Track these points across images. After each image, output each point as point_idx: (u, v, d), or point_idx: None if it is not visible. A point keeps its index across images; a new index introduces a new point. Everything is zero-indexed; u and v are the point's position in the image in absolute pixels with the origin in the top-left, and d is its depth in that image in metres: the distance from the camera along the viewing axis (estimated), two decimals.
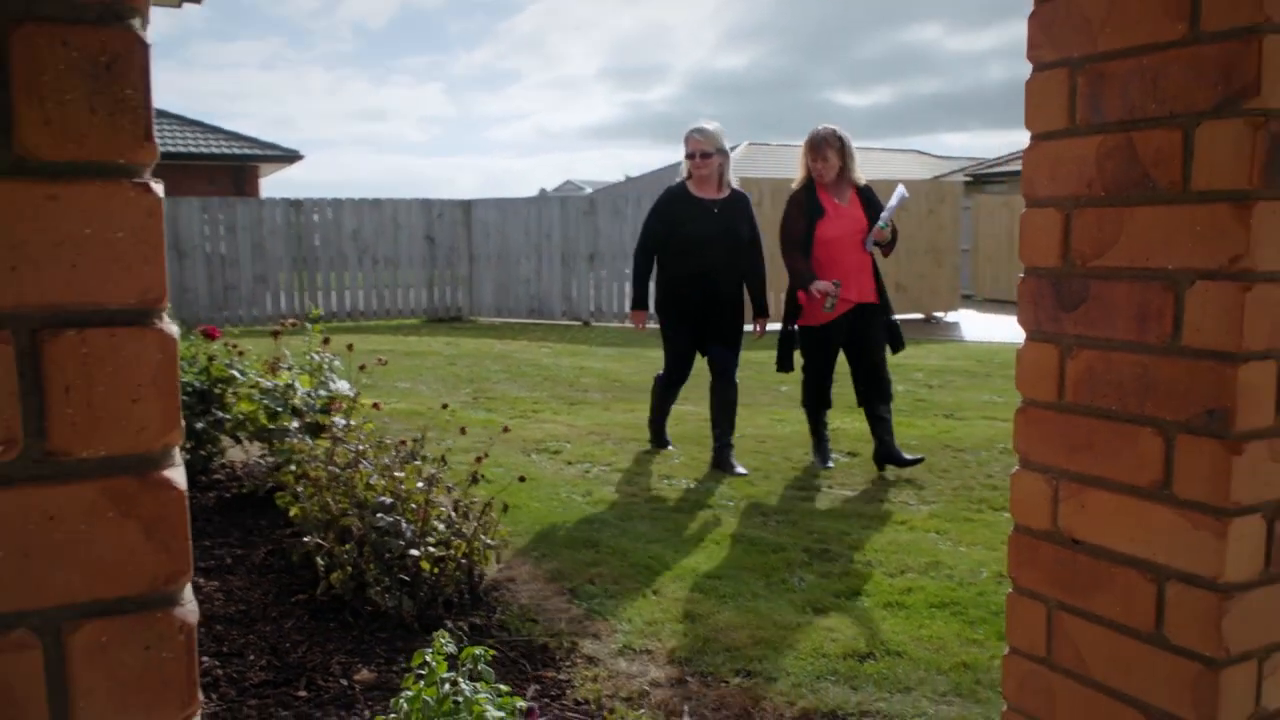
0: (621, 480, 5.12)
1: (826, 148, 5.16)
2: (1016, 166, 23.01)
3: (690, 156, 5.37)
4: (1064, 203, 1.46)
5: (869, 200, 5.28)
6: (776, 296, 8.80)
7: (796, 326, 5.32)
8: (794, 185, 5.32)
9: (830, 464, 5.44)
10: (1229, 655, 1.27)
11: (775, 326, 5.78)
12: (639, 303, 5.72)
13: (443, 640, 2.07)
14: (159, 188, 0.65)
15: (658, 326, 5.72)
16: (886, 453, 5.21)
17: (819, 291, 5.08)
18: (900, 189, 5.30)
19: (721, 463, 5.37)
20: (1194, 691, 1.29)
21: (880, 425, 5.25)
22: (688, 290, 5.36)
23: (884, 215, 5.14)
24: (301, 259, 14.48)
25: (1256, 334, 1.25)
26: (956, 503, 4.64)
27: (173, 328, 0.67)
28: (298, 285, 14.48)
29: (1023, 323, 1.53)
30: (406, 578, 3.11)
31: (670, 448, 5.75)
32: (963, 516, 4.42)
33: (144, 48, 0.63)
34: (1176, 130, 1.30)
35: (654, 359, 10.50)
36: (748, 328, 5.61)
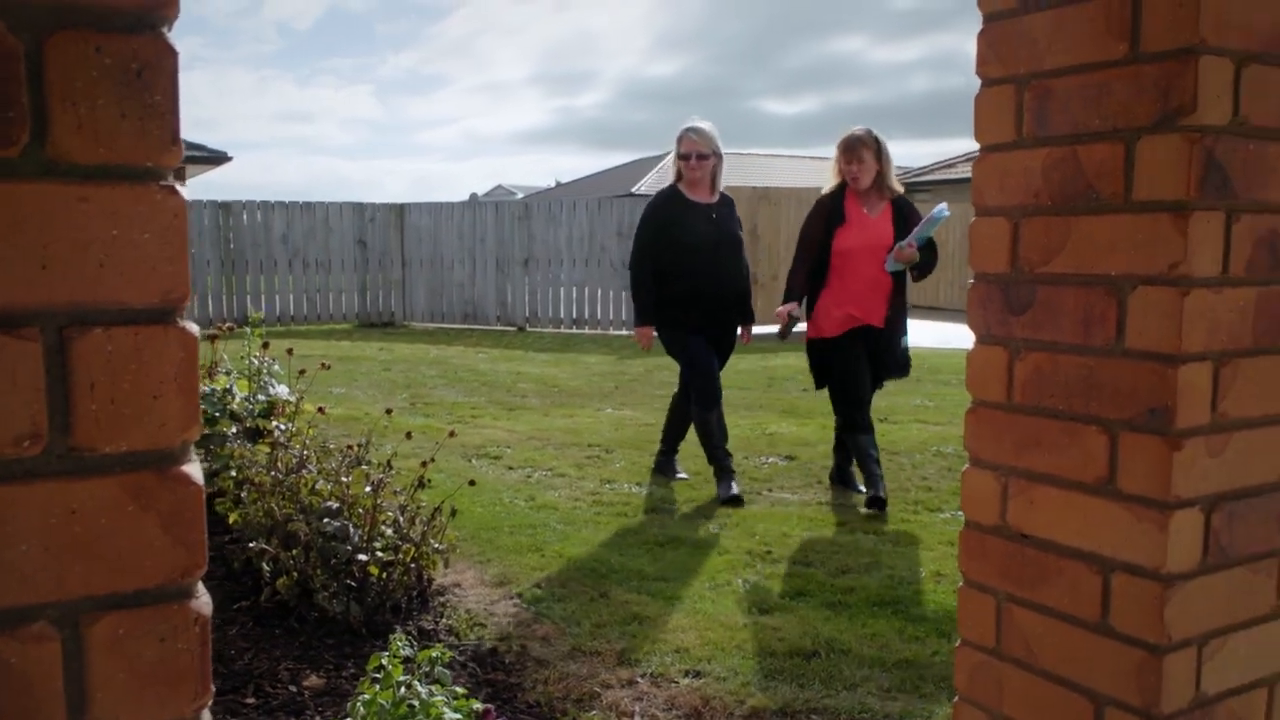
0: (564, 485, 5.14)
1: (862, 148, 4.66)
2: (942, 175, 23.55)
3: (684, 157, 4.99)
4: (1012, 212, 1.52)
5: (904, 214, 4.76)
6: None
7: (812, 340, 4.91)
8: (824, 190, 4.88)
9: (862, 489, 4.84)
10: (1171, 642, 1.34)
11: (761, 328, 5.33)
12: (646, 316, 5.08)
13: (399, 643, 2.07)
14: (184, 190, 0.67)
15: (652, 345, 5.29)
16: (841, 476, 5.11)
17: (778, 313, 4.85)
18: (941, 206, 4.75)
19: (664, 467, 5.35)
20: (1139, 677, 1.36)
21: (842, 453, 5.08)
22: (694, 301, 4.96)
23: (914, 233, 4.61)
24: (230, 262, 14.20)
25: (1194, 337, 1.33)
26: (893, 504, 4.75)
27: (193, 326, 0.68)
28: (226, 289, 14.20)
29: (973, 326, 1.59)
30: (354, 583, 3.08)
31: (736, 492, 4.82)
32: (900, 518, 4.53)
33: (173, 55, 0.64)
34: (1119, 144, 1.37)
35: (591, 364, 10.52)
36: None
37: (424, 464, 3.55)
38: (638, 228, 5.15)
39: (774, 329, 5.18)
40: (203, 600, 0.71)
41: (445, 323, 15.09)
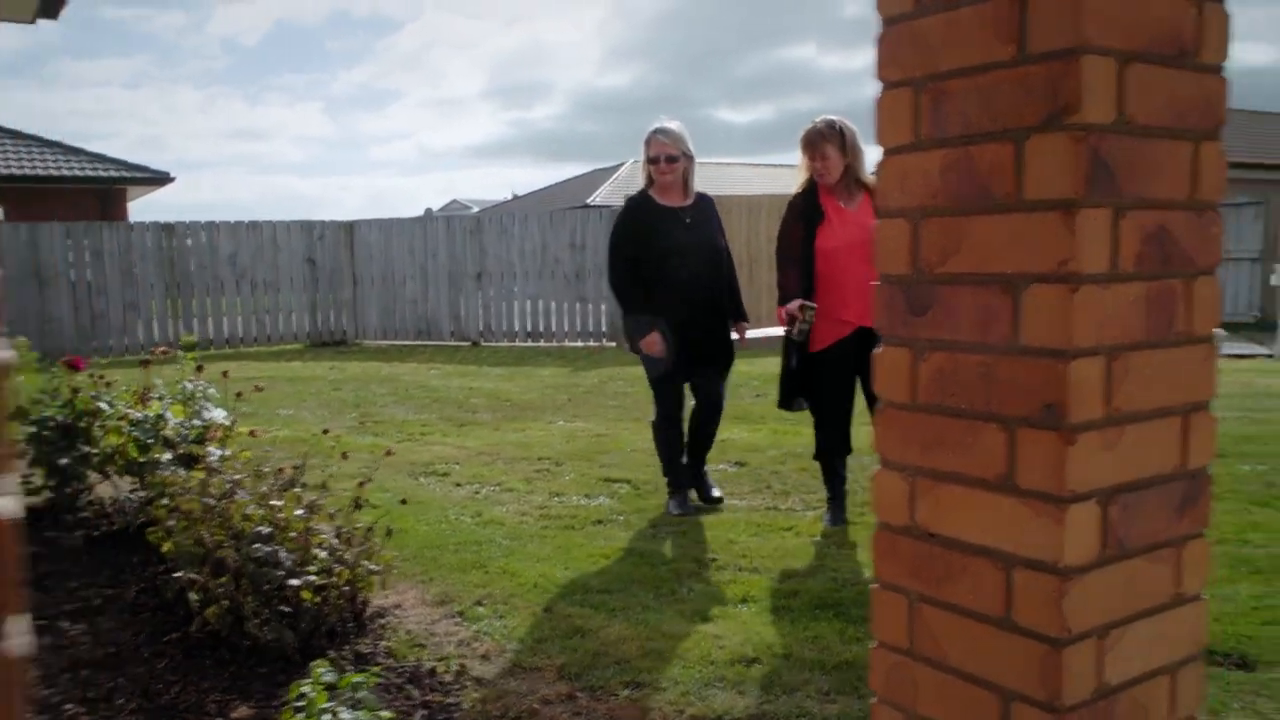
0: (512, 500, 5.10)
1: (824, 143, 4.37)
2: None
3: (654, 161, 4.74)
4: (912, 213, 1.53)
5: None
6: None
7: (796, 356, 4.53)
8: (794, 189, 4.59)
9: (842, 524, 4.50)
10: (1071, 634, 1.35)
11: (756, 334, 4.93)
12: (642, 327, 4.76)
13: (321, 670, 2.04)
14: None
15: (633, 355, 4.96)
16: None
17: (786, 314, 4.45)
18: None
19: (701, 489, 4.99)
20: (1041, 671, 1.37)
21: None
22: (670, 314, 4.73)
23: None
24: (175, 285, 13.98)
25: (1085, 332, 1.34)
26: None
27: (5, 353, 0.66)
28: (171, 312, 13.97)
29: (879, 328, 1.60)
30: (288, 609, 3.03)
31: (689, 511, 4.78)
32: (846, 520, 4.54)
33: None
34: (1009, 144, 1.39)
35: (545, 377, 10.47)
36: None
37: (361, 484, 3.51)
38: (610, 243, 4.90)
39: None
40: (18, 641, 0.68)
41: (398, 339, 14.97)
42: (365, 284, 15.07)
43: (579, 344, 13.91)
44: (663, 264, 4.73)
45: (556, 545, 4.24)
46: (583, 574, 3.83)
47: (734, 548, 4.16)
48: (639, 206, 4.85)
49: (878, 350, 1.60)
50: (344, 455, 3.66)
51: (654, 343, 4.74)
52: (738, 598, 3.52)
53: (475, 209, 43.70)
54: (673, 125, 4.79)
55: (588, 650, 3.05)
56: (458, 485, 5.44)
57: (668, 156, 4.72)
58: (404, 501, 3.77)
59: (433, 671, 2.94)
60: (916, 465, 1.54)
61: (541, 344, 14.20)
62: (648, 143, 4.79)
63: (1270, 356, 11.86)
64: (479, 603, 3.51)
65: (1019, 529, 1.39)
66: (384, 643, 3.16)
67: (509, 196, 46.20)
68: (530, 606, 3.46)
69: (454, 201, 55.38)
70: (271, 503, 3.13)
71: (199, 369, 4.46)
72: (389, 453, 3.92)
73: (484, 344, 14.43)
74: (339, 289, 15.02)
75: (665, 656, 2.99)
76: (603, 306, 13.70)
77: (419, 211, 43.61)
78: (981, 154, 1.43)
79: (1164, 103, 1.40)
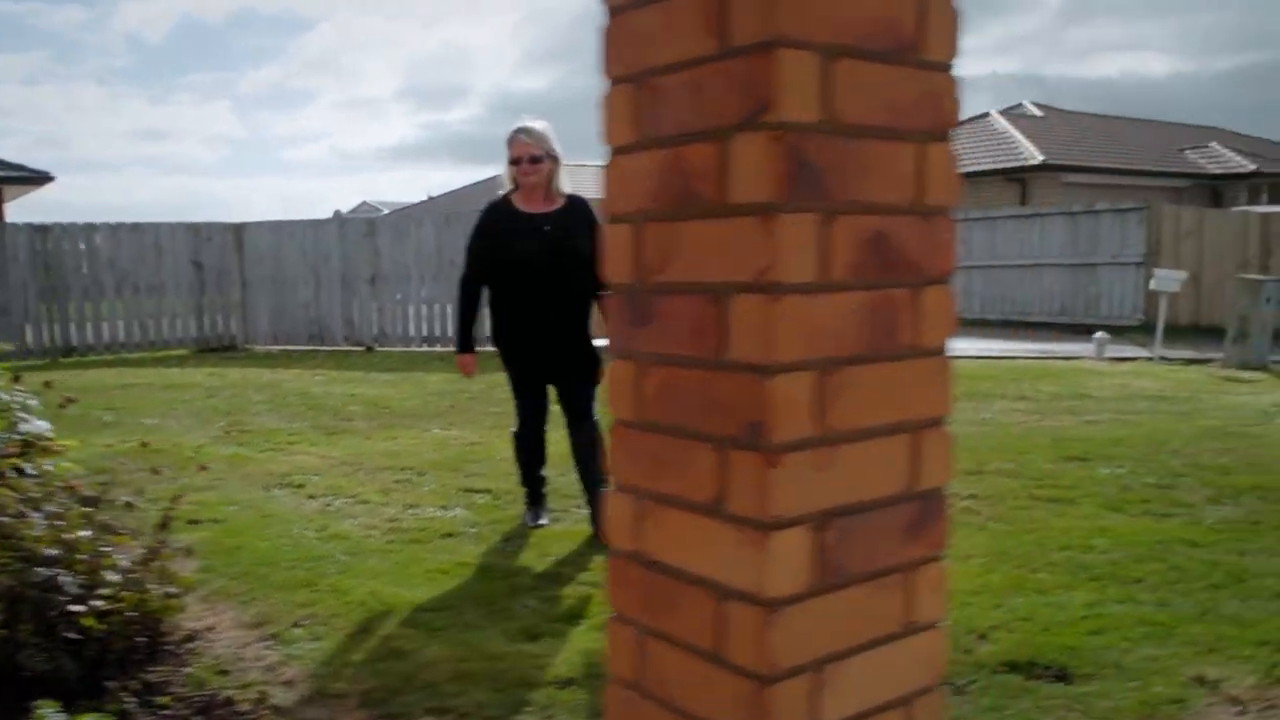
0: (363, 512, 4.91)
1: None
2: None
3: (515, 162, 4.44)
4: (634, 218, 1.43)
5: None
6: None
7: None
8: None
9: None
10: (779, 670, 1.26)
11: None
12: (461, 345, 4.83)
13: (45, 711, 1.86)
14: None
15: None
16: None
17: None
18: None
19: (597, 524, 4.53)
20: (752, 710, 1.27)
21: None
22: (523, 325, 4.57)
23: None
24: (51, 288, 13.35)
25: (789, 345, 1.25)
26: None
27: None
28: (47, 317, 13.35)
29: (609, 341, 1.50)
30: (79, 636, 2.82)
31: (544, 523, 4.68)
32: None
33: None
34: (715, 145, 1.29)
35: (431, 384, 10.24)
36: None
37: (174, 499, 3.31)
38: (466, 246, 4.69)
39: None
40: None
41: (290, 344, 14.53)
42: (255, 287, 14.61)
43: (476, 349, 13.67)
44: (516, 274, 4.51)
45: (397, 560, 4.07)
46: (415, 591, 3.68)
47: (582, 560, 4.05)
48: (493, 212, 4.62)
49: (610, 364, 1.50)
50: (154, 470, 3.45)
51: (466, 364, 4.85)
52: (571, 614, 3.41)
53: (386, 211, 42.93)
54: (536, 125, 4.55)
55: (399, 674, 2.91)
56: (311, 498, 5.22)
57: (531, 157, 4.43)
58: (194, 522, 3.57)
59: (229, 701, 2.77)
60: (643, 487, 1.44)
61: (438, 349, 13.93)
62: (509, 143, 4.51)
63: (1150, 359, 12.22)
64: (297, 624, 3.34)
65: (729, 557, 1.29)
66: (186, 669, 2.97)
67: (425, 198, 45.46)
68: (351, 627, 3.30)
69: (364, 204, 54.33)
70: (55, 522, 2.92)
71: (16, 379, 4.17)
72: (203, 468, 3.72)
73: (378, 349, 14.10)
74: (227, 292, 14.55)
75: (478, 680, 2.87)
76: None
77: (330, 214, 42.42)
78: (692, 154, 1.33)
79: (880, 101, 1.32)
